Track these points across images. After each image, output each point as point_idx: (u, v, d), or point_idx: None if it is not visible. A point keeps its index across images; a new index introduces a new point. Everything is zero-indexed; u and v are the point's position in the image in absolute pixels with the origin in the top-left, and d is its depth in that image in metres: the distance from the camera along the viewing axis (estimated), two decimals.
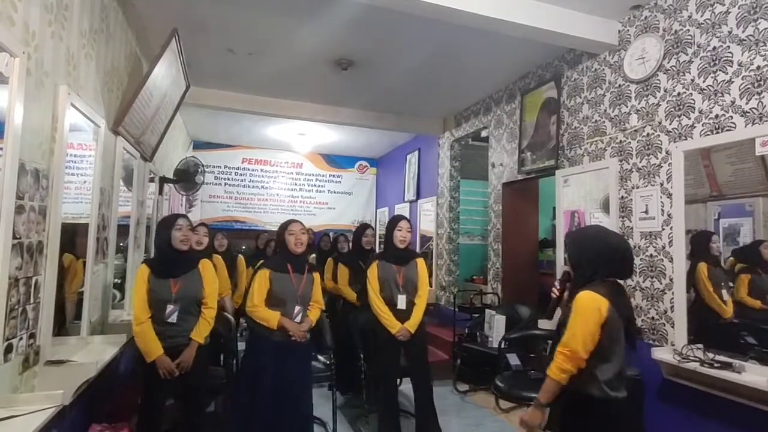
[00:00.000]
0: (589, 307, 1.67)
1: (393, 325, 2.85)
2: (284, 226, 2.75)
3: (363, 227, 4.07)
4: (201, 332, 2.44)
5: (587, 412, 1.73)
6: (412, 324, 2.89)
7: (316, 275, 2.83)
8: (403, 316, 2.90)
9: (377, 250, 4.24)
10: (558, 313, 1.94)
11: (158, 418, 2.38)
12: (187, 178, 4.83)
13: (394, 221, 3.03)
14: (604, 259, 1.76)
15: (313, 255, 5.20)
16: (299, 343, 2.62)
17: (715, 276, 2.54)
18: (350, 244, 4.48)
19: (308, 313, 2.73)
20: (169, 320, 2.36)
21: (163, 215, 4.56)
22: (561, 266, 3.55)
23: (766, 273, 2.34)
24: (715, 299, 2.52)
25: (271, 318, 2.57)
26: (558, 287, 1.95)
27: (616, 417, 1.73)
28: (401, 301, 2.92)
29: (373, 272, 2.95)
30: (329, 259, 4.28)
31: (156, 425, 2.36)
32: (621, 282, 1.84)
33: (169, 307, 2.36)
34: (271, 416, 2.54)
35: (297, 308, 2.65)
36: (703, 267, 2.56)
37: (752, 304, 2.36)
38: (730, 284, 2.46)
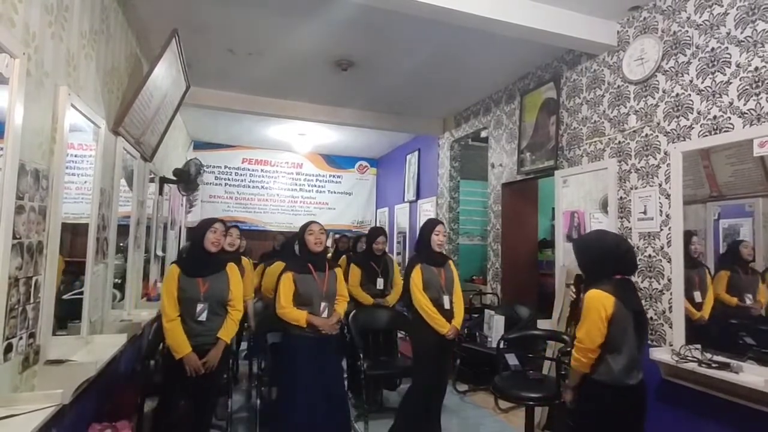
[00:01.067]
0: (595, 304, 1.88)
1: (444, 324, 2.86)
2: (304, 227, 2.90)
3: (376, 232, 4.10)
4: (229, 332, 2.55)
5: (601, 397, 1.92)
6: (459, 321, 2.97)
7: (339, 271, 2.96)
8: (449, 315, 2.93)
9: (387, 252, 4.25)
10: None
11: (172, 416, 2.48)
12: (187, 178, 4.83)
13: (431, 225, 3.05)
14: (605, 258, 1.97)
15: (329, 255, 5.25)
16: (331, 336, 2.75)
17: (688, 278, 2.58)
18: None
19: (335, 307, 2.84)
20: (199, 319, 2.45)
21: (163, 215, 4.58)
22: (560, 267, 3.56)
23: (744, 272, 2.39)
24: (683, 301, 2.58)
25: (300, 317, 2.69)
26: (574, 291, 2.21)
27: (628, 402, 1.92)
28: (447, 301, 2.96)
29: (417, 275, 2.94)
30: (343, 256, 4.32)
31: (171, 423, 2.46)
32: (631, 278, 2.04)
33: (200, 306, 2.46)
34: (308, 414, 2.62)
35: (323, 305, 2.76)
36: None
37: (729, 301, 2.44)
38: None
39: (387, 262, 4.06)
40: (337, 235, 6.03)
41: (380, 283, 3.93)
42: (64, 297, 2.28)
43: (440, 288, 2.95)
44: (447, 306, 2.95)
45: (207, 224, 2.59)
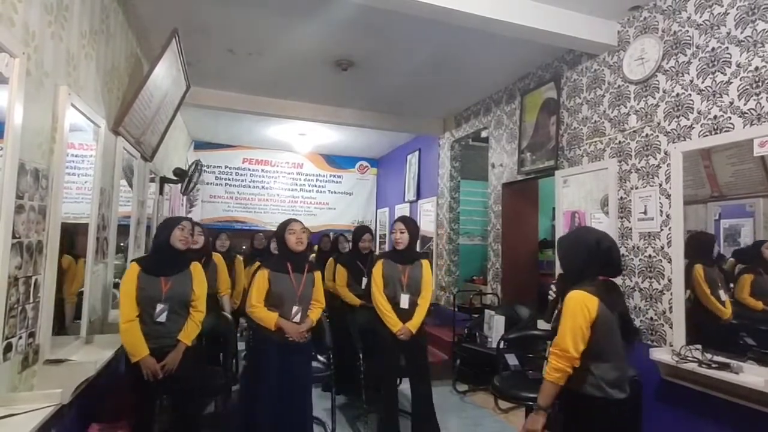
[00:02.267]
0: (578, 305, 1.70)
1: (395, 323, 2.85)
2: (284, 226, 2.74)
3: (362, 230, 4.04)
4: (189, 334, 2.41)
5: (589, 412, 1.74)
6: (414, 324, 2.89)
7: (317, 274, 2.82)
8: (405, 315, 2.90)
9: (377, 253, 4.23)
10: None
11: (150, 418, 2.36)
12: (188, 178, 4.84)
13: (394, 223, 3.05)
14: (587, 257, 1.80)
15: (313, 254, 5.20)
16: (299, 343, 2.62)
17: (711, 277, 2.54)
18: (350, 244, 4.48)
19: (309, 313, 2.72)
20: (158, 320, 2.32)
21: (163, 215, 4.57)
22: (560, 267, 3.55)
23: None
24: (711, 300, 2.51)
25: (268, 319, 2.56)
26: (554, 289, 2.00)
27: (618, 417, 1.74)
28: (404, 301, 2.92)
29: (378, 270, 2.95)
30: (330, 258, 4.28)
31: (148, 425, 2.34)
32: (616, 280, 1.86)
33: (159, 306, 2.32)
34: (271, 416, 2.54)
35: (295, 308, 2.63)
36: (699, 268, 2.56)
37: (754, 306, 2.34)
38: (731, 285, 2.46)
39: (373, 260, 4.00)
40: (322, 236, 5.88)
41: (365, 282, 3.81)
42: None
43: (399, 286, 2.92)
44: (404, 305, 2.91)
45: (174, 221, 2.46)
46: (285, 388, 2.58)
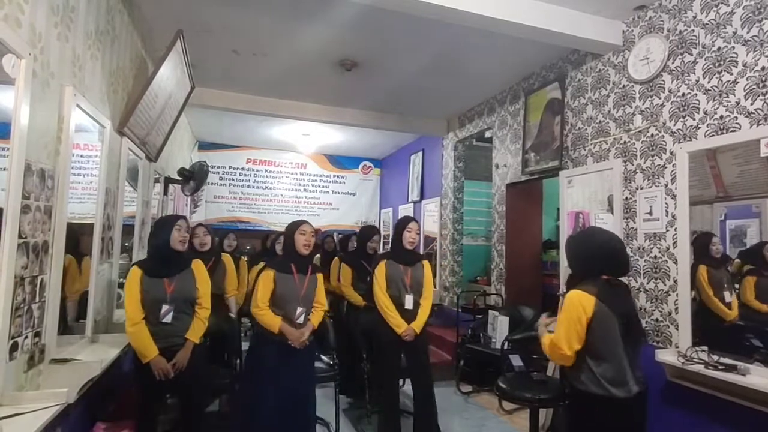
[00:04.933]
0: (573, 304, 1.73)
1: (399, 324, 2.84)
2: (295, 226, 2.72)
3: (370, 231, 4.00)
4: (196, 332, 2.43)
5: (591, 410, 1.76)
6: (419, 324, 2.89)
7: (320, 276, 2.81)
8: (409, 316, 2.90)
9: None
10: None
11: (155, 418, 2.38)
12: (195, 178, 4.84)
13: (404, 222, 3.02)
14: (592, 257, 1.83)
15: (317, 255, 5.20)
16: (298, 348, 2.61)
17: (716, 278, 2.52)
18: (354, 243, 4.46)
19: (310, 317, 2.71)
20: (164, 320, 2.33)
21: (166, 215, 4.59)
22: (565, 268, 3.54)
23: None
24: (715, 302, 2.51)
25: (273, 324, 2.56)
26: (565, 291, 2.01)
27: (621, 416, 1.74)
28: (408, 301, 2.92)
29: (381, 271, 2.93)
30: (335, 258, 4.28)
31: (153, 425, 2.36)
32: (622, 280, 1.88)
33: (164, 308, 2.33)
34: (273, 417, 2.54)
35: (299, 309, 2.63)
36: (703, 270, 2.55)
37: (758, 308, 2.34)
38: (735, 286, 2.44)
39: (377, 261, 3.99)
40: (326, 237, 5.81)
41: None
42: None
43: (403, 287, 2.91)
44: (408, 306, 2.90)
45: (170, 222, 2.43)
46: (287, 388, 2.57)
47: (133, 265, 2.49)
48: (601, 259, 1.82)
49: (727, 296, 2.48)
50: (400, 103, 5.24)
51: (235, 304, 3.71)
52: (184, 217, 2.54)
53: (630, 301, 1.96)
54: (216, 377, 2.98)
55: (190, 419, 2.47)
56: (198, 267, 2.54)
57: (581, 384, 1.76)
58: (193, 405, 2.50)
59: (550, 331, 1.92)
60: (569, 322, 1.72)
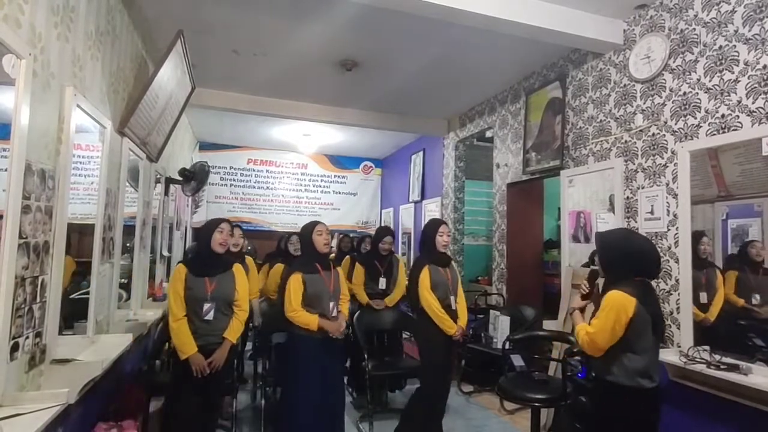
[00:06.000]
0: (617, 305, 1.83)
1: (452, 325, 2.86)
2: (311, 228, 2.84)
3: (383, 232, 4.03)
4: (235, 332, 2.57)
5: (620, 400, 1.87)
6: (464, 322, 2.99)
7: (340, 270, 2.98)
8: (455, 316, 2.93)
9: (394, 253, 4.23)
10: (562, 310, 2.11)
11: (183, 416, 2.47)
12: (196, 178, 4.84)
13: (435, 226, 3.03)
14: (632, 261, 1.92)
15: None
16: (337, 340, 2.76)
17: (696, 278, 2.55)
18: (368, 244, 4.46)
19: (341, 307, 2.85)
20: (206, 318, 2.47)
21: (168, 216, 4.60)
22: (566, 267, 3.53)
23: (753, 272, 2.37)
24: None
25: (312, 321, 2.66)
26: (587, 285, 2.14)
27: (647, 404, 1.87)
28: (453, 302, 2.96)
29: (426, 276, 2.91)
30: (347, 257, 4.31)
31: (181, 423, 2.46)
32: (651, 281, 1.98)
33: (206, 305, 2.48)
34: (313, 414, 2.63)
35: (332, 304, 2.77)
36: None
37: (735, 301, 2.42)
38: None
39: (393, 262, 4.02)
40: (340, 236, 5.98)
41: (383, 282, 3.89)
42: (71, 296, 2.29)
43: (448, 289, 2.95)
44: (454, 307, 2.96)
45: (214, 225, 2.61)
46: (323, 387, 2.68)
47: (179, 263, 2.65)
48: (640, 263, 1.93)
49: (703, 297, 2.54)
50: (401, 102, 5.23)
51: (258, 307, 3.73)
52: (227, 220, 2.69)
53: (658, 302, 2.05)
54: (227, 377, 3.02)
55: (211, 417, 2.59)
56: (238, 270, 2.69)
57: (612, 376, 1.87)
58: (215, 404, 2.63)
59: (573, 309, 2.12)
60: (611, 321, 1.82)
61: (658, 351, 1.95)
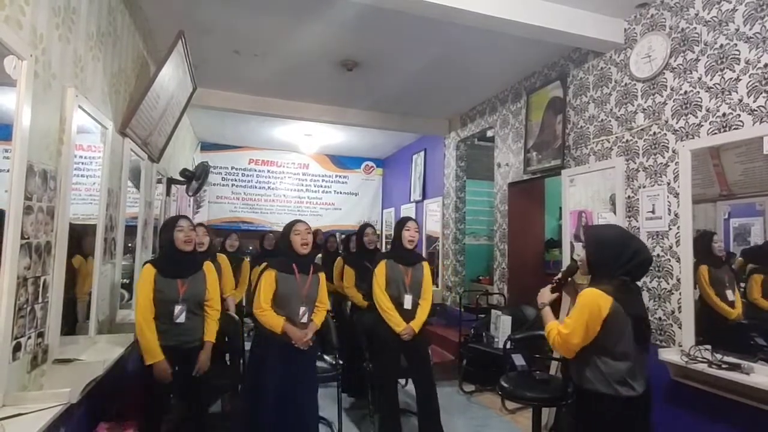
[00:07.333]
0: (590, 302, 1.72)
1: (398, 323, 2.85)
2: (289, 227, 2.73)
3: (363, 227, 4.01)
4: (212, 332, 2.54)
5: (598, 408, 1.76)
6: (418, 324, 2.90)
7: (322, 276, 2.81)
8: (408, 316, 2.91)
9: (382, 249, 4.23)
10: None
11: (159, 417, 2.42)
12: (197, 178, 4.85)
13: (402, 222, 3.05)
14: (623, 262, 1.80)
15: (319, 255, 5.20)
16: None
17: (717, 277, 2.51)
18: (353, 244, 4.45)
19: (313, 316, 2.71)
20: (177, 321, 2.40)
21: (170, 216, 4.60)
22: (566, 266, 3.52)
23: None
24: (716, 301, 2.49)
25: (276, 324, 2.56)
26: (560, 277, 2.04)
27: (626, 415, 1.74)
28: (408, 301, 2.93)
29: (381, 270, 2.94)
30: (338, 258, 4.28)
31: (157, 424, 2.40)
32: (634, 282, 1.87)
33: (177, 308, 2.41)
34: (275, 416, 2.54)
35: (302, 309, 2.63)
36: (704, 269, 2.53)
37: (764, 306, 2.32)
38: (742, 285, 2.43)
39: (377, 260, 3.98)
40: (327, 236, 5.71)
41: None
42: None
43: (403, 286, 2.93)
44: (407, 306, 2.92)
45: (171, 224, 2.48)
46: (289, 387, 2.57)
47: (146, 263, 2.54)
48: (630, 264, 1.81)
49: (730, 294, 2.47)
50: (402, 102, 5.23)
51: (233, 303, 3.73)
52: (186, 217, 2.58)
53: (642, 303, 1.96)
54: (219, 377, 2.98)
55: (196, 419, 2.51)
56: (209, 269, 2.63)
57: (588, 383, 1.76)
58: (201, 405, 2.56)
59: (543, 305, 2.03)
60: (584, 318, 1.72)
61: (644, 359, 1.80)
